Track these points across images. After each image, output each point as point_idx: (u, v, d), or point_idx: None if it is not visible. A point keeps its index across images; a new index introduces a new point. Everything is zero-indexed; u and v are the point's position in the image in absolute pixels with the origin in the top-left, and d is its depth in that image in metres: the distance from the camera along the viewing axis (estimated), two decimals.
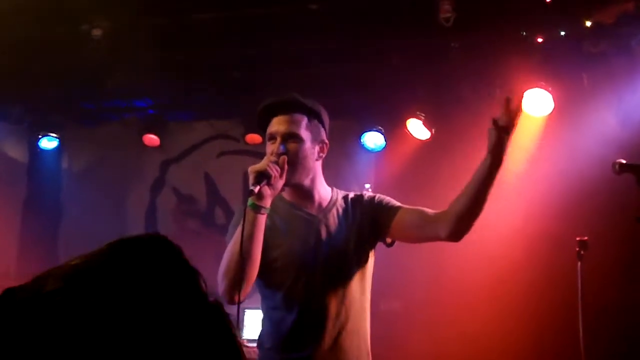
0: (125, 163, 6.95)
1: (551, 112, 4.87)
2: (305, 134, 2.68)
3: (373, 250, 2.81)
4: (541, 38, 4.53)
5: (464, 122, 5.38)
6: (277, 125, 2.68)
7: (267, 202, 2.55)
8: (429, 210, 2.72)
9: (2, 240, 6.17)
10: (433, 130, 5.48)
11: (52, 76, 5.54)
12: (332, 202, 2.81)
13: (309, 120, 2.72)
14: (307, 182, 2.74)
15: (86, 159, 7.04)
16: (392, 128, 5.75)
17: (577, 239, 3.38)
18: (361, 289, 2.74)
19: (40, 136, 6.44)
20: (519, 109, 2.55)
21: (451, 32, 4.40)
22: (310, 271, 2.68)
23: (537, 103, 4.81)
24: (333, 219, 2.77)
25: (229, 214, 6.73)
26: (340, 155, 6.26)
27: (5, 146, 6.48)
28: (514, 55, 4.73)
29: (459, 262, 5.20)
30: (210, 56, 5.39)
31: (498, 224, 5.25)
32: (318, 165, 2.78)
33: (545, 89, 4.71)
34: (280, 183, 2.57)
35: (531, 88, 4.79)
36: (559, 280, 4.52)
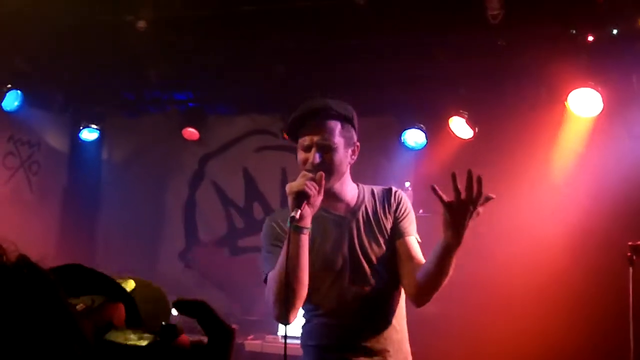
0: (165, 156, 6.97)
1: (600, 113, 4.73)
2: (339, 140, 2.69)
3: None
4: (592, 37, 4.40)
5: (507, 121, 5.27)
6: (311, 134, 2.67)
7: (308, 222, 2.55)
8: (419, 260, 2.71)
9: (42, 228, 6.24)
10: (476, 129, 5.37)
11: (95, 67, 5.57)
12: (360, 201, 2.83)
13: (342, 126, 2.72)
14: (337, 185, 2.75)
15: (126, 150, 7.08)
16: (434, 126, 5.66)
17: (629, 243, 3.26)
18: (396, 284, 2.75)
19: (81, 127, 6.49)
20: (473, 191, 2.46)
21: (498, 29, 4.30)
22: (342, 274, 2.72)
23: (585, 103, 4.68)
24: (362, 218, 2.79)
25: (267, 209, 6.71)
26: (380, 153, 6.18)
27: (48, 136, 6.55)
28: (561, 54, 4.61)
29: (503, 266, 5.10)
30: (252, 50, 5.36)
31: (544, 226, 5.13)
32: (348, 168, 2.79)
33: (595, 89, 4.57)
34: (319, 199, 2.57)
35: (579, 88, 4.66)
36: (609, 286, 4.38)
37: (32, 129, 6.32)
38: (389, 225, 2.80)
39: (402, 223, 2.80)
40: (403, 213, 2.82)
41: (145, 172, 6.97)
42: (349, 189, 2.81)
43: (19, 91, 5.48)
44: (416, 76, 5.44)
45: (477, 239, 5.16)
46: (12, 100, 5.48)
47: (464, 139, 5.49)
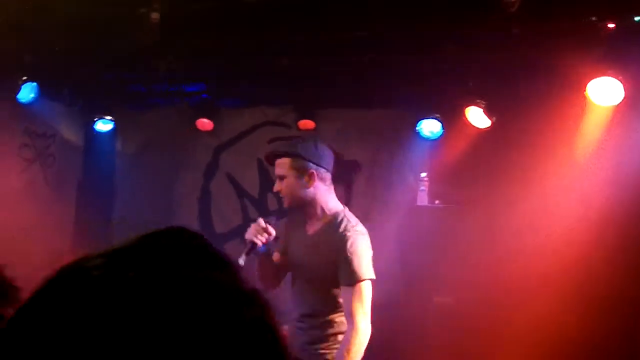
0: (179, 147, 6.97)
1: (620, 102, 4.66)
2: (289, 172, 3.53)
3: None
4: (613, 24, 4.32)
5: (525, 111, 5.21)
6: (275, 169, 3.63)
7: (266, 252, 3.59)
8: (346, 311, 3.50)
9: (58, 220, 6.25)
10: (494, 118, 5.32)
11: (108, 59, 5.56)
12: (328, 226, 3.58)
13: (292, 160, 3.54)
14: (304, 206, 3.60)
15: (140, 142, 7.08)
16: (450, 116, 5.61)
17: None
18: (333, 294, 3.53)
19: (95, 119, 6.49)
20: None
21: (515, 17, 4.23)
22: (300, 276, 3.68)
23: (605, 92, 4.61)
24: (320, 243, 3.56)
25: (281, 200, 6.69)
26: (394, 144, 6.15)
27: (63, 128, 6.56)
28: (581, 42, 4.54)
29: (519, 258, 5.05)
30: (263, 42, 5.32)
31: (561, 217, 5.08)
32: (311, 192, 3.55)
33: (616, 78, 4.50)
34: (271, 237, 3.51)
35: (598, 76, 4.59)
36: (629, 277, 4.33)
37: (48, 121, 6.33)
38: (333, 257, 3.49)
39: (340, 271, 3.47)
40: (347, 260, 3.44)
41: (159, 164, 6.97)
42: (320, 212, 3.59)
43: (34, 83, 5.48)
44: (431, 66, 5.39)
45: (494, 232, 5.15)
46: (28, 92, 5.48)
47: (480, 129, 5.45)
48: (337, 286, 3.47)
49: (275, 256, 3.74)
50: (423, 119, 5.73)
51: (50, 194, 6.40)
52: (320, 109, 6.45)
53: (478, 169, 5.46)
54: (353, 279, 3.40)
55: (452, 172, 5.55)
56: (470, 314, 5.27)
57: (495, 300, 5.21)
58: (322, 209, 3.58)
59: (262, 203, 6.80)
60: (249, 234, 3.48)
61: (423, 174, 5.64)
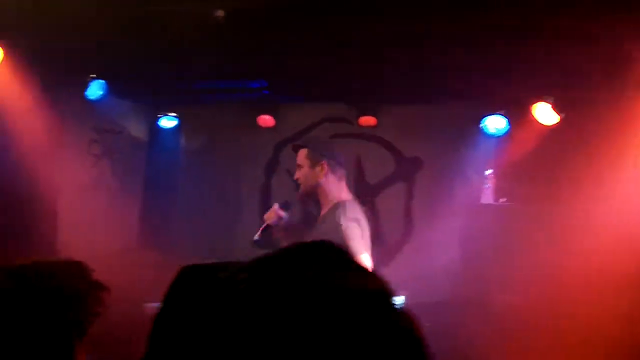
0: (240, 143, 7.03)
1: None
2: (304, 162, 4.05)
3: None
4: None
5: (594, 109, 5.06)
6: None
7: (281, 233, 4.11)
8: None
9: (125, 215, 6.39)
10: (562, 115, 5.19)
11: (172, 56, 5.63)
12: (328, 213, 3.94)
13: (308, 151, 4.06)
14: (314, 195, 4.06)
15: (202, 138, 7.17)
16: (516, 112, 5.49)
17: None
18: None
19: (160, 116, 6.60)
20: None
21: (588, 11, 4.10)
22: None
23: None
24: (321, 229, 3.90)
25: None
26: (458, 140, 6.07)
27: (129, 124, 6.70)
28: None
29: (585, 258, 4.91)
30: (325, 37, 5.30)
31: (630, 218, 4.92)
32: (322, 181, 4.00)
33: None
34: (283, 221, 4.09)
35: None
36: None
37: (115, 117, 6.48)
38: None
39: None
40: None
41: (221, 159, 7.05)
42: (325, 200, 4.01)
43: (102, 80, 5.60)
44: (497, 61, 5.28)
45: (560, 230, 5.02)
46: (96, 89, 5.61)
47: (548, 126, 5.32)
48: None
49: None
50: (488, 115, 5.63)
51: (117, 189, 6.54)
52: (381, 105, 6.41)
53: (545, 166, 5.34)
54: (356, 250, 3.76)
55: (518, 169, 5.44)
56: (535, 313, 5.17)
57: (560, 300, 5.10)
58: (328, 198, 4.01)
59: None
60: (266, 217, 4.14)
61: (488, 172, 5.54)
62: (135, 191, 6.82)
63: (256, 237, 4.07)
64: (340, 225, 3.80)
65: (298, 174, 4.11)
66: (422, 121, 6.27)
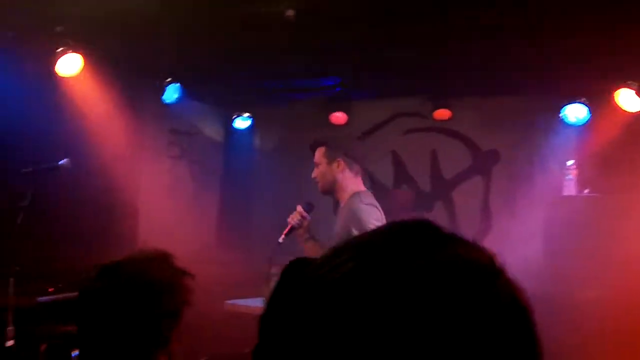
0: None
1: None
2: (321, 160, 4.19)
3: None
4: None
5: None
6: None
7: (306, 234, 4.17)
8: None
9: (204, 213, 6.51)
10: None
11: (245, 57, 5.69)
12: (345, 204, 4.07)
13: (326, 149, 4.19)
14: (332, 191, 4.19)
15: (276, 137, 7.23)
16: (597, 100, 5.30)
17: None
18: None
19: (234, 116, 6.69)
20: None
21: None
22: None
23: None
24: (338, 220, 4.08)
25: (417, 192, 6.61)
26: (536, 131, 5.91)
27: (204, 126, 6.82)
28: None
29: None
30: (397, 32, 5.25)
31: None
32: (340, 177, 4.13)
33: None
34: (306, 222, 4.15)
35: None
36: None
37: (190, 119, 6.61)
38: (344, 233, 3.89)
39: (341, 230, 3.93)
40: (346, 222, 3.92)
41: (295, 158, 7.07)
42: (343, 195, 4.13)
43: (178, 84, 5.71)
44: (576, 47, 5.10)
45: None
46: (172, 93, 5.72)
47: (631, 112, 5.10)
48: None
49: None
50: (568, 104, 5.45)
51: (195, 190, 6.68)
52: (456, 98, 6.31)
53: (629, 155, 5.14)
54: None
55: (601, 159, 5.25)
56: (623, 309, 4.97)
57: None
58: (346, 192, 4.13)
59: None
60: (290, 219, 4.17)
61: (569, 162, 5.37)
62: (212, 191, 6.94)
63: (280, 239, 4.15)
64: (358, 208, 3.95)
65: (315, 172, 4.24)
66: (499, 112, 6.12)
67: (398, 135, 6.75)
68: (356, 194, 4.13)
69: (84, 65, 4.94)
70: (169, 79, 5.68)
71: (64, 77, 4.96)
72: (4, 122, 4.67)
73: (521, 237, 5.56)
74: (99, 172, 5.39)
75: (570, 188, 5.37)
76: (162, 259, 1.85)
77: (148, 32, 4.87)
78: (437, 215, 6.49)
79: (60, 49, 4.82)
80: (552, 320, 5.00)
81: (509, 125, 6.06)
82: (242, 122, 6.75)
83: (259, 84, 6.67)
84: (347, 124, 6.68)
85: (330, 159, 4.19)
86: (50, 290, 4.67)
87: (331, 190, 4.23)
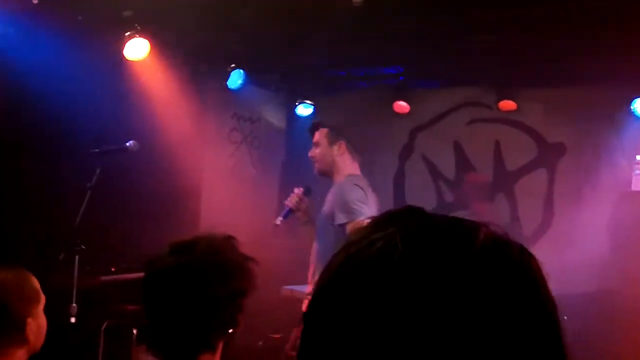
0: (374, 130, 7.01)
1: None
2: (323, 141, 4.38)
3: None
4: None
5: None
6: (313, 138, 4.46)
7: (304, 217, 4.36)
8: None
9: (263, 199, 6.56)
10: None
11: (309, 44, 5.70)
12: (337, 184, 4.26)
13: (329, 131, 4.41)
14: (329, 173, 4.36)
15: (338, 124, 7.20)
16: None
17: None
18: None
19: (297, 103, 6.71)
20: None
21: None
22: (319, 229, 4.30)
23: None
24: (329, 197, 4.27)
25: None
26: (604, 124, 5.75)
27: (267, 113, 6.87)
28: None
29: None
30: (462, 20, 5.16)
31: None
32: (338, 160, 4.33)
33: None
34: (303, 205, 4.31)
35: None
36: None
37: (253, 105, 6.66)
38: (329, 209, 4.21)
39: (334, 214, 4.13)
40: (335, 205, 4.15)
41: (356, 146, 7.05)
42: (337, 176, 4.30)
43: (241, 70, 5.76)
44: None
45: None
46: (236, 79, 5.78)
47: None
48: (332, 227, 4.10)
49: None
50: (638, 96, 5.28)
51: (256, 175, 6.74)
52: (522, 88, 6.17)
53: None
54: (349, 216, 4.02)
55: None
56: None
57: None
58: (342, 173, 4.27)
59: (457, 185, 6.68)
60: (287, 202, 4.30)
61: (639, 157, 5.20)
62: (273, 177, 6.99)
63: (278, 221, 4.27)
64: (344, 186, 4.13)
65: (314, 152, 4.37)
66: (566, 104, 5.96)
67: (461, 126, 6.66)
68: (350, 175, 4.27)
69: (151, 50, 5.02)
70: (233, 65, 5.74)
71: (131, 61, 5.06)
72: (74, 105, 4.80)
73: (585, 233, 5.42)
74: (163, 155, 5.49)
75: (638, 183, 5.21)
76: (230, 242, 1.86)
77: (213, 19, 4.93)
78: (499, 207, 6.39)
79: (128, 33, 4.91)
80: (615, 318, 4.87)
81: (576, 117, 5.90)
82: (304, 109, 6.77)
83: (322, 71, 6.67)
84: (409, 113, 6.62)
85: (332, 140, 4.34)
86: (112, 269, 4.79)
87: (328, 172, 4.34)
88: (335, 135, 4.38)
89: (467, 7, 4.86)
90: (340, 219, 4.10)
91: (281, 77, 6.54)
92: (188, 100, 5.72)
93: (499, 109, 6.19)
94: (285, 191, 7.09)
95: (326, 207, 4.25)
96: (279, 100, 6.95)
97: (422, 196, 6.81)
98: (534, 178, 6.26)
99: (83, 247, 3.80)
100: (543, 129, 6.26)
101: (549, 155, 6.19)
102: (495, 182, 6.48)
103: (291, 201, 4.30)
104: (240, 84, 5.84)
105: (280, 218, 4.30)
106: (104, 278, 4.71)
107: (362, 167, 6.95)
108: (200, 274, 1.76)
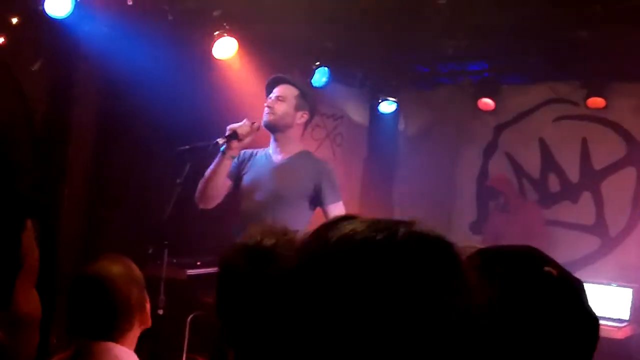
0: (458, 127, 6.97)
1: None
2: (292, 100, 4.00)
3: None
4: None
5: None
6: (277, 90, 4.05)
7: (234, 152, 3.92)
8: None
9: (345, 197, 6.61)
10: None
11: (393, 42, 5.72)
12: (300, 156, 4.03)
13: (299, 94, 4.04)
14: (279, 133, 4.01)
15: (421, 121, 7.21)
16: None
17: None
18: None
19: (380, 100, 6.74)
20: None
21: None
22: (265, 206, 3.89)
23: None
24: (295, 168, 3.97)
25: (564, 181, 6.40)
26: None
27: (349, 110, 6.93)
28: None
29: None
30: (549, 15, 5.06)
31: None
32: (297, 129, 4.04)
33: None
34: (247, 141, 3.91)
35: None
36: None
37: (336, 103, 6.73)
38: (310, 185, 3.91)
39: (323, 193, 3.91)
40: (325, 183, 3.92)
41: (439, 143, 7.04)
42: (291, 146, 4.01)
43: (326, 68, 5.83)
44: None
45: None
46: (321, 76, 5.85)
47: None
48: (309, 207, 3.92)
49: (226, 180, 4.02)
50: None
51: (338, 171, 6.77)
52: (611, 85, 6.00)
53: None
54: (339, 197, 3.95)
55: None
56: None
57: None
58: (292, 145, 4.02)
59: (542, 184, 6.56)
60: (235, 125, 3.90)
61: None
62: (355, 174, 7.05)
63: (221, 140, 3.88)
64: (327, 166, 4.02)
65: (275, 104, 3.98)
66: None
67: (547, 122, 6.54)
68: (309, 153, 4.11)
69: (239, 49, 5.15)
70: (318, 63, 5.81)
71: (219, 60, 5.21)
72: (165, 102, 4.99)
73: None
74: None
75: None
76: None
77: (299, 17, 5.01)
78: (584, 207, 6.25)
79: (217, 32, 5.04)
80: None
81: None
82: (387, 106, 6.79)
83: (406, 68, 6.67)
84: (494, 110, 6.55)
85: (300, 106, 4.03)
86: (198, 264, 4.97)
87: (279, 131, 4.00)
88: (304, 103, 4.05)
89: (553, 2, 4.77)
90: (332, 199, 3.94)
91: (364, 74, 6.58)
92: None
93: (586, 106, 6.04)
94: (368, 188, 7.18)
95: (304, 181, 3.95)
96: (362, 97, 6.99)
97: (505, 195, 6.72)
98: (621, 177, 6.08)
99: (166, 242, 3.96)
100: (632, 127, 6.07)
101: (638, 154, 6.00)
102: (581, 181, 6.33)
103: (243, 129, 3.91)
104: (325, 82, 5.91)
105: (223, 139, 3.89)
106: (189, 272, 4.88)
107: (446, 163, 6.98)
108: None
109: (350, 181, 6.91)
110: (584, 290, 0.82)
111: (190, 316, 4.64)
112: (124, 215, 5.11)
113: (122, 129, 5.14)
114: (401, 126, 7.27)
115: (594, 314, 0.81)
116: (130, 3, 4.69)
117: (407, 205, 7.05)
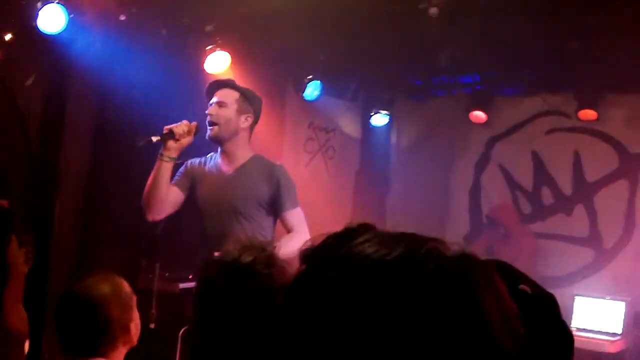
0: (451, 139, 6.99)
1: None
2: (233, 105, 3.83)
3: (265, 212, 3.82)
4: None
5: None
6: (219, 95, 3.87)
7: (172, 153, 3.68)
8: (290, 230, 3.81)
9: (337, 209, 6.62)
10: None
11: (386, 55, 5.74)
12: (252, 162, 3.87)
13: (241, 97, 3.87)
14: (226, 142, 3.83)
15: (413, 134, 7.23)
16: None
17: None
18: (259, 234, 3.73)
19: (372, 113, 6.76)
20: None
21: None
22: (221, 218, 3.79)
23: None
24: (247, 177, 3.82)
25: (558, 193, 6.40)
26: None
27: (342, 123, 6.94)
28: None
29: None
30: (541, 28, 5.10)
31: None
32: (244, 134, 3.87)
33: None
34: (186, 142, 3.69)
35: None
36: None
37: (328, 116, 6.74)
38: (266, 192, 3.78)
39: (279, 199, 3.77)
40: (281, 188, 3.77)
41: (432, 155, 7.05)
42: (240, 154, 3.85)
43: (319, 82, 5.84)
44: None
45: None
46: (313, 90, 5.87)
47: None
48: (270, 216, 3.81)
49: (175, 189, 3.82)
50: None
51: (331, 185, 6.81)
52: (603, 97, 6.02)
53: None
54: (296, 202, 3.81)
55: None
56: None
57: None
58: (243, 150, 3.86)
59: (535, 197, 6.56)
60: (173, 125, 3.68)
61: None
62: (347, 187, 7.05)
63: (154, 138, 3.64)
64: (282, 170, 3.83)
65: (217, 111, 3.77)
66: None
67: (540, 135, 6.56)
68: (261, 157, 3.91)
69: (231, 63, 5.16)
70: (310, 77, 5.83)
71: (211, 74, 5.22)
72: (157, 117, 4.98)
73: None
74: None
75: None
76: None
77: (292, 31, 5.03)
78: (578, 220, 6.25)
79: (209, 47, 5.06)
80: None
81: None
82: (380, 119, 6.80)
83: (398, 81, 6.69)
84: (486, 122, 6.56)
85: (243, 109, 3.84)
86: (190, 277, 4.95)
87: (226, 141, 3.81)
88: (247, 105, 3.87)
89: (545, 15, 4.80)
90: (288, 206, 3.79)
91: (357, 87, 6.60)
92: (266, 110, 5.83)
93: (578, 118, 6.07)
94: (360, 201, 7.18)
95: (258, 190, 3.80)
96: (355, 110, 7.00)
97: (497, 207, 6.74)
98: (614, 189, 6.09)
99: (159, 255, 3.95)
100: (624, 139, 6.09)
101: (630, 166, 6.02)
102: (574, 194, 6.35)
103: (180, 128, 3.68)
104: (317, 96, 5.92)
105: (157, 137, 3.65)
106: (181, 285, 4.86)
107: (439, 175, 7.00)
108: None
109: (342, 194, 6.91)
110: (557, 306, 0.82)
111: (182, 330, 4.62)
112: (117, 229, 5.10)
113: (115, 143, 5.14)
114: (394, 138, 7.28)
115: (569, 329, 0.81)
116: (123, 18, 4.71)
117: (400, 218, 7.04)
